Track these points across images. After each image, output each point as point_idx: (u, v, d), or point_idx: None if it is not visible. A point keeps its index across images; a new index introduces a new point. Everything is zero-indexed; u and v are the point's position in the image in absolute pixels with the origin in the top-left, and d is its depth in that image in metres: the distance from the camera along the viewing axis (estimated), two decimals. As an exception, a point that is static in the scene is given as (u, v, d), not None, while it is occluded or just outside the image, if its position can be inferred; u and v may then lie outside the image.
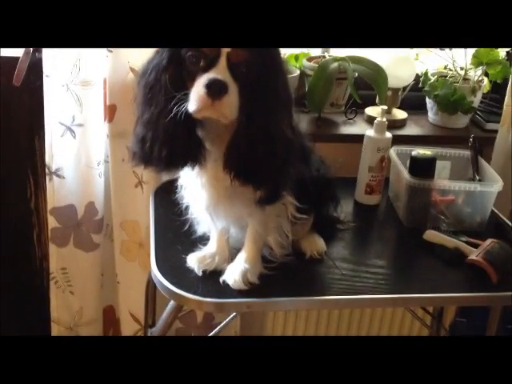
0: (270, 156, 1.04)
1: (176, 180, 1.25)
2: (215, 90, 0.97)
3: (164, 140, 1.02)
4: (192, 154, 1.05)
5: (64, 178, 1.58)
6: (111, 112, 1.52)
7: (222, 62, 0.98)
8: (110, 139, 1.55)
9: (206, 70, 0.99)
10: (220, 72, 0.98)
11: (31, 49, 1.52)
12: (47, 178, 1.58)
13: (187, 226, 1.29)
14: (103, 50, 1.45)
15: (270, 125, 1.03)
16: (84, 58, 1.48)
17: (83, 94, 1.52)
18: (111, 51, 1.44)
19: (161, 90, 1.02)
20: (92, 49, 1.48)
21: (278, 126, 1.04)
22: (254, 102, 1.01)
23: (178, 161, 1.06)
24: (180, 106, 0.99)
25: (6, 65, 1.56)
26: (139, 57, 1.45)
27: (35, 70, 1.52)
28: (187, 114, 1.00)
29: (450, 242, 1.35)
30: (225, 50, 0.98)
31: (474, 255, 1.29)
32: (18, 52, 1.54)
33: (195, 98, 0.98)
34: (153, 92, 1.03)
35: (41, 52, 1.48)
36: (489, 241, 1.34)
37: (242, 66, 1.00)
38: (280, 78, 1.06)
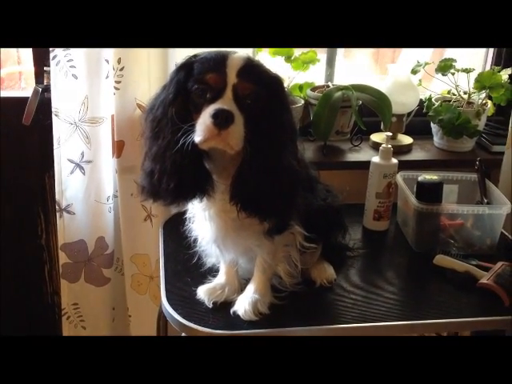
0: (277, 187, 1.04)
1: (184, 212, 1.26)
2: (222, 119, 0.98)
3: (172, 172, 1.03)
4: (200, 186, 1.06)
5: (74, 214, 1.61)
6: (119, 148, 1.54)
7: (228, 93, 1.00)
8: (119, 174, 1.57)
9: (212, 101, 1.00)
10: (226, 103, 0.99)
11: (40, 89, 1.55)
12: (58, 214, 1.60)
13: (196, 259, 1.30)
14: (110, 88, 1.48)
15: (276, 156, 1.04)
16: (92, 96, 1.52)
17: (91, 131, 1.55)
18: (118, 89, 1.47)
19: (168, 123, 1.03)
20: (100, 89, 1.52)
21: (284, 157, 1.04)
22: (260, 133, 1.02)
23: (186, 193, 1.07)
24: (187, 137, 1.00)
25: (15, 105, 1.60)
26: (146, 93, 1.49)
27: (44, 109, 1.56)
28: (194, 146, 1.01)
29: (460, 266, 1.35)
30: (231, 83, 1.00)
31: (485, 279, 1.29)
32: (27, 93, 1.58)
33: (202, 129, 0.99)
34: (160, 126, 1.05)
35: (49, 92, 1.52)
36: (499, 264, 1.33)
37: (248, 97, 1.01)
38: (285, 109, 1.07)
